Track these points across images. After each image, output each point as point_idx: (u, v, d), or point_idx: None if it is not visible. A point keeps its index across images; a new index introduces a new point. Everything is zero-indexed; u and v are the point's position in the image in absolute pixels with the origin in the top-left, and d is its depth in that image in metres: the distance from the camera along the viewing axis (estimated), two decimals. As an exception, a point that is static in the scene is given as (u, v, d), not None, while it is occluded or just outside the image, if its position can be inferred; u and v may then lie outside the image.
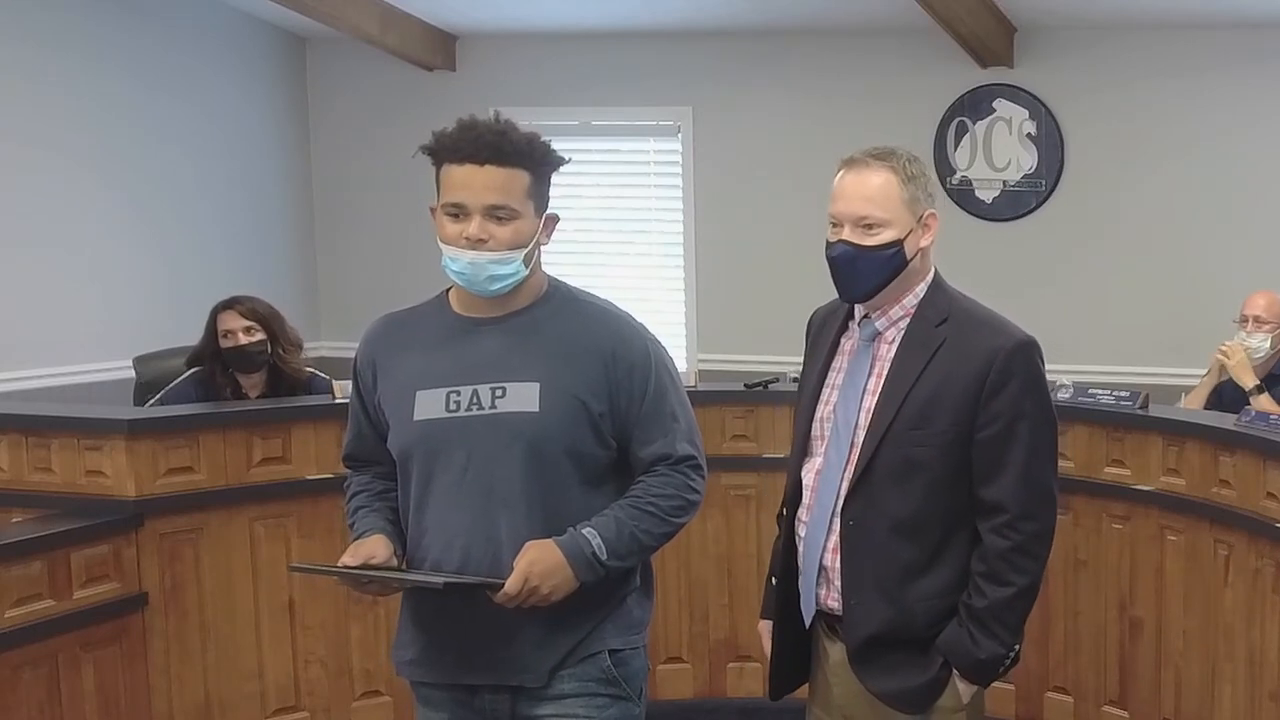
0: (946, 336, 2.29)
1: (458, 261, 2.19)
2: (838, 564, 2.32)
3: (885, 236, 2.26)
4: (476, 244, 2.16)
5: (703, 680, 4.25)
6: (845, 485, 2.30)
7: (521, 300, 2.25)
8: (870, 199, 2.26)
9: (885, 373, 2.31)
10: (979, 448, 2.26)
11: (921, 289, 2.33)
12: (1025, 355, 2.28)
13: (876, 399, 2.30)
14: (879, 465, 2.27)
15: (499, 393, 2.21)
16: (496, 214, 2.16)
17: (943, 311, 2.32)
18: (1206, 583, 3.49)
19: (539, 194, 2.21)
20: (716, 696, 4.25)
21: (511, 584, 2.14)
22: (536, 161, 2.19)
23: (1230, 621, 3.40)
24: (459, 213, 2.17)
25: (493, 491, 2.21)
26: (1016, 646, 2.31)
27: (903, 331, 2.33)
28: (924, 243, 2.30)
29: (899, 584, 2.28)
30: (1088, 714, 3.86)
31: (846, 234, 2.28)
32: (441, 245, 2.20)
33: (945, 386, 2.26)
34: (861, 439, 2.30)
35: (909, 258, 2.28)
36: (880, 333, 2.34)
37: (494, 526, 2.21)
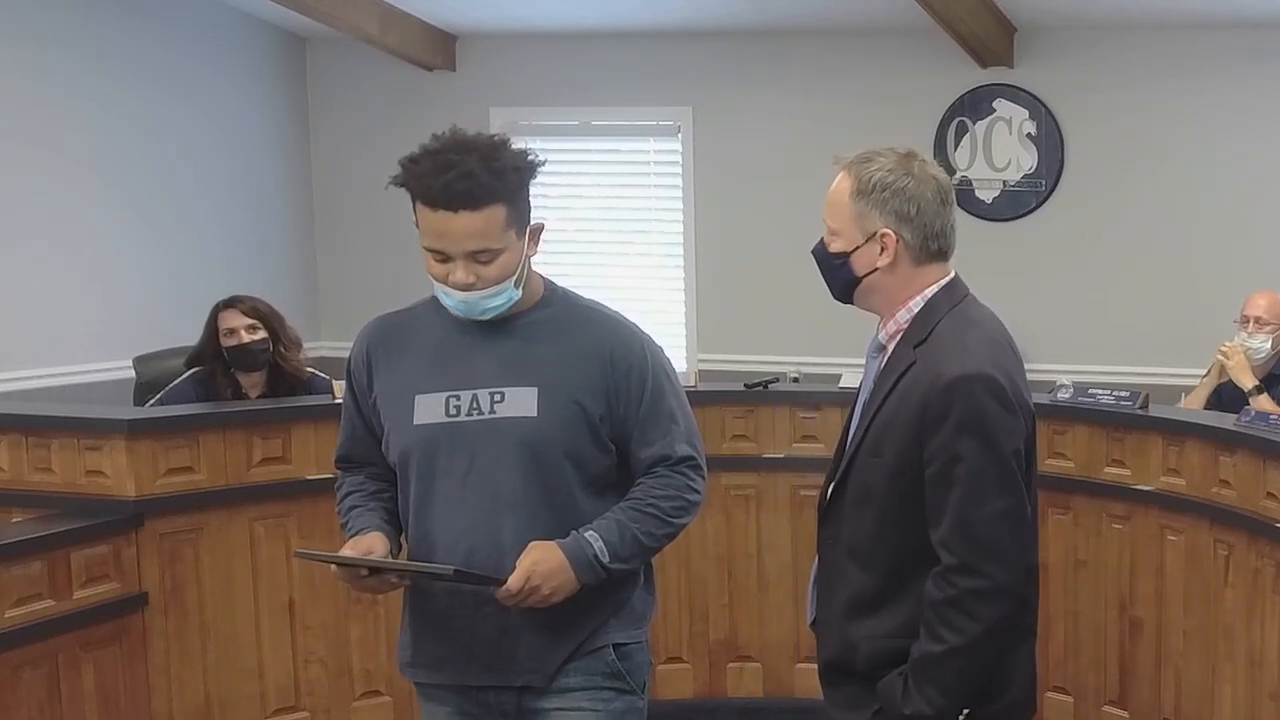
0: (916, 360, 2.08)
1: (450, 299, 2.19)
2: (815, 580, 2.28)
3: (837, 245, 2.13)
4: (466, 289, 2.15)
5: (703, 680, 4.25)
6: (824, 504, 2.23)
7: (519, 305, 2.24)
8: (827, 204, 2.16)
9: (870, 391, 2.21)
10: (926, 486, 2.05)
11: (917, 304, 2.12)
12: (964, 391, 2.01)
13: (857, 418, 2.21)
14: (847, 487, 2.15)
15: (497, 398, 2.21)
16: (479, 257, 2.14)
17: (927, 330, 2.10)
18: (1206, 583, 3.49)
19: (519, 217, 2.17)
20: (717, 696, 4.25)
21: (514, 581, 2.14)
22: (510, 191, 2.13)
23: (1230, 621, 3.40)
24: (441, 257, 2.15)
25: (496, 496, 2.21)
26: (957, 714, 2.06)
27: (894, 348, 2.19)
28: (881, 263, 2.09)
29: (847, 613, 2.15)
30: (1088, 714, 3.86)
31: (824, 233, 2.19)
32: (431, 279, 2.19)
33: (896, 415, 2.07)
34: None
35: (858, 274, 2.12)
36: (884, 346, 2.20)
37: (499, 531, 2.21)
